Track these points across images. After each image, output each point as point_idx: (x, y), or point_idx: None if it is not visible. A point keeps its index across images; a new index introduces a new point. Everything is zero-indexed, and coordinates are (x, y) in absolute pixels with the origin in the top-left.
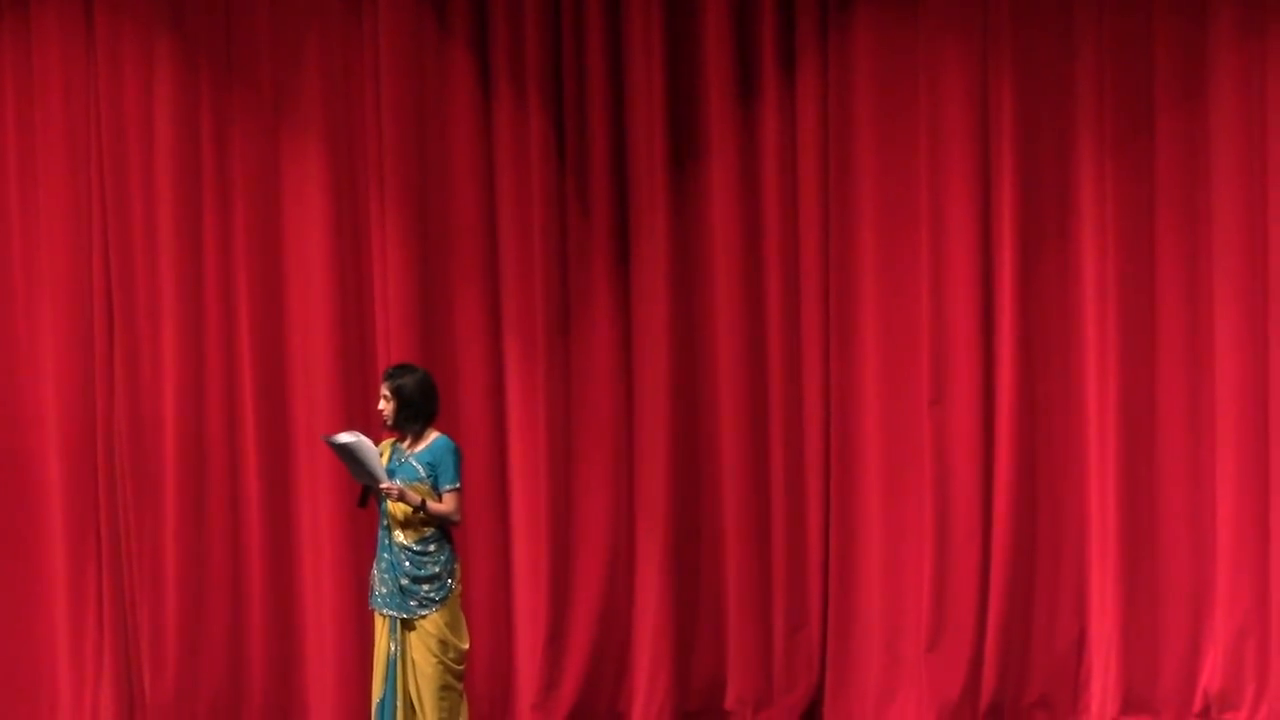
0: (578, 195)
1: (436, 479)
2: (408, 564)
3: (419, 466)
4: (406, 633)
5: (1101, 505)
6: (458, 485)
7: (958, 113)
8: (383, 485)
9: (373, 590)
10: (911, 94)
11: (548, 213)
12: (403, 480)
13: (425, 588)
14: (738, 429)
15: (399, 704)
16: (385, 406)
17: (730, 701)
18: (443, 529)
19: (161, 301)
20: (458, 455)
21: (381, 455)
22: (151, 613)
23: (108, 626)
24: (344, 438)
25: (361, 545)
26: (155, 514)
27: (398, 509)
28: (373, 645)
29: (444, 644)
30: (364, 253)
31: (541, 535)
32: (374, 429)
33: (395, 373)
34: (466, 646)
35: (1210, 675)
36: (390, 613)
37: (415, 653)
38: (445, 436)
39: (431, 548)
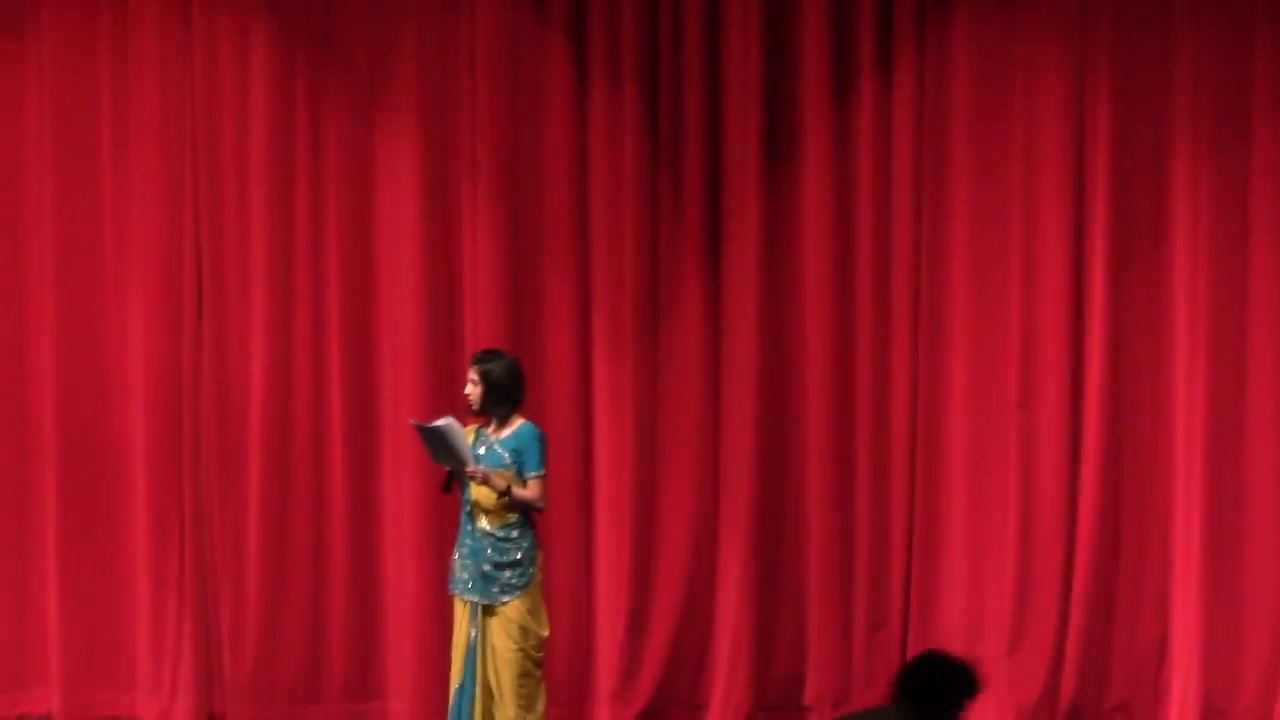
0: (671, 188)
1: (521, 465)
2: (490, 550)
3: (504, 453)
4: (487, 619)
5: (1187, 511)
6: (543, 472)
7: (1053, 116)
8: (468, 469)
9: (454, 576)
10: (1008, 96)
11: (640, 204)
12: (487, 466)
13: (507, 574)
14: (824, 426)
15: (478, 690)
16: (472, 391)
17: (809, 697)
18: (526, 516)
19: (251, 283)
20: (543, 442)
21: (467, 439)
22: (233, 594)
23: (188, 606)
24: (435, 423)
25: (444, 531)
26: (239, 495)
27: (482, 495)
28: (452, 631)
29: (524, 630)
30: (455, 238)
31: (625, 525)
32: (460, 413)
33: (484, 357)
34: (547, 634)
35: None
36: (472, 599)
37: (495, 639)
38: (531, 423)
39: (514, 534)
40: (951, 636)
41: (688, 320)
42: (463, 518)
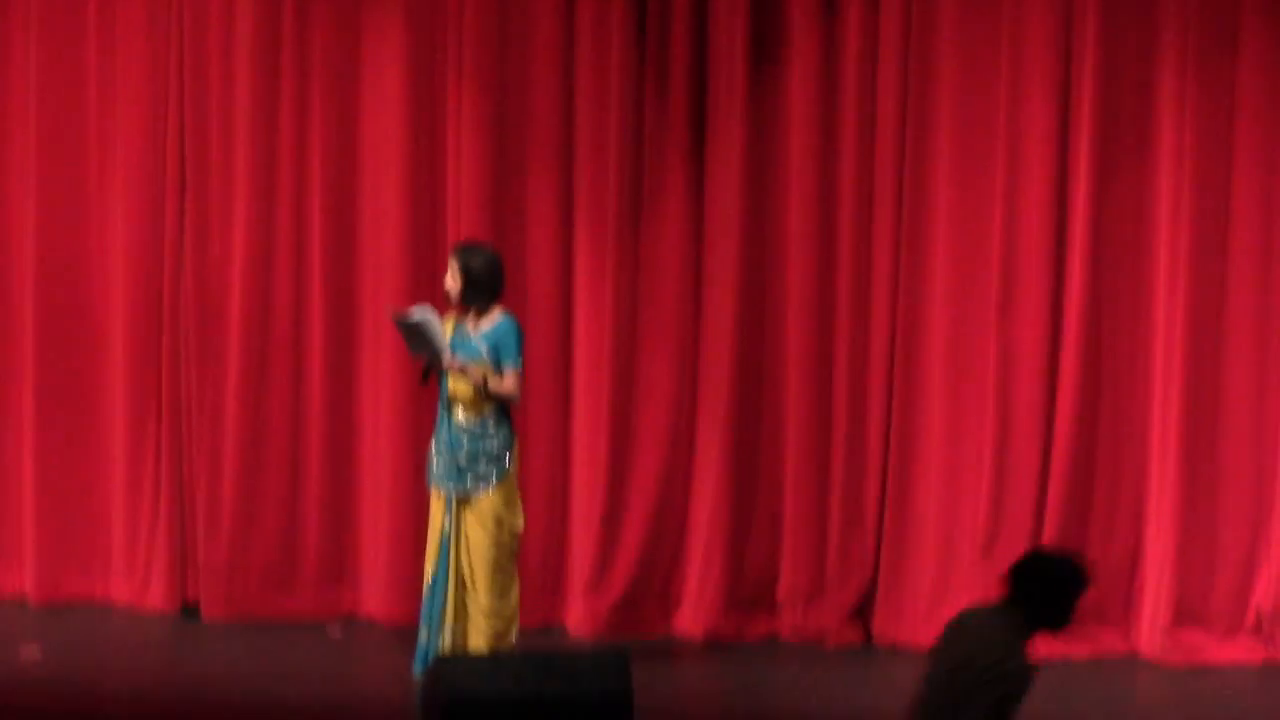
0: (656, 87)
1: (499, 358)
2: (466, 442)
3: (481, 345)
4: (462, 510)
5: (1163, 420)
6: (519, 365)
7: (1040, 25)
8: (445, 361)
9: (430, 467)
10: (995, 4)
11: (625, 102)
12: (464, 358)
13: (483, 465)
14: (804, 326)
15: (450, 581)
16: (451, 283)
17: (782, 593)
18: (502, 408)
19: (234, 174)
20: (520, 335)
21: (445, 331)
22: (208, 477)
23: (164, 490)
24: (412, 315)
25: (421, 422)
26: (217, 380)
27: (460, 387)
28: (425, 524)
29: (499, 522)
30: (439, 133)
31: (602, 419)
32: (438, 305)
33: (464, 250)
34: (521, 525)
35: (1264, 592)
36: (447, 490)
37: (470, 530)
38: (510, 316)
39: (491, 426)
40: (925, 537)
41: (670, 219)
42: (440, 410)
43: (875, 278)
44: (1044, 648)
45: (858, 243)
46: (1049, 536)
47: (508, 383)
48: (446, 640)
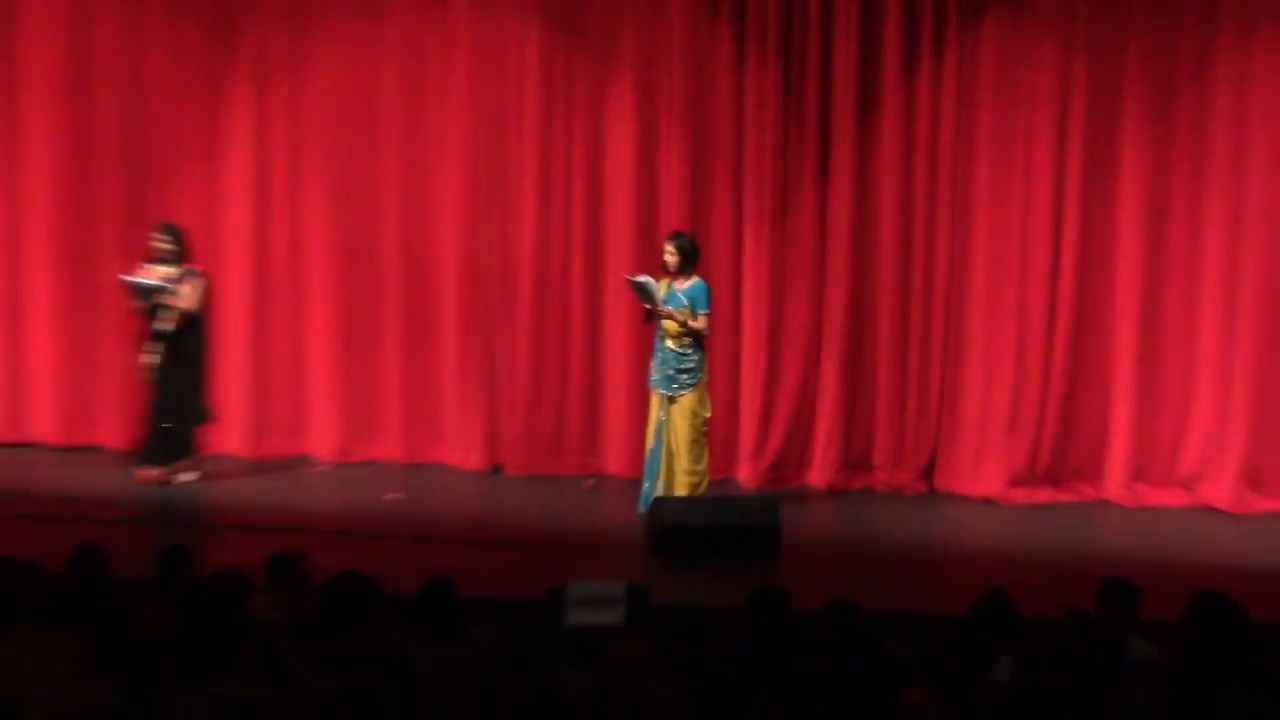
0: (797, 131)
1: (695, 306)
2: (674, 361)
3: (683, 298)
4: (670, 405)
5: (1123, 344)
6: (708, 311)
7: (1046, 91)
8: (660, 309)
9: (651, 377)
10: (1015, 81)
11: (776, 140)
12: (673, 306)
13: (685, 376)
14: (892, 285)
15: (663, 452)
16: (670, 258)
17: (877, 460)
18: (697, 340)
19: (524, 181)
20: (709, 292)
21: (660, 289)
22: (508, 383)
23: (479, 388)
24: (639, 278)
25: (645, 347)
26: (511, 316)
27: (670, 325)
28: (647, 413)
29: (695, 413)
30: (657, 158)
31: (761, 346)
32: (654, 272)
33: (676, 236)
34: (709, 415)
35: (1189, 459)
36: (662, 391)
37: (676, 418)
38: (702, 280)
39: (689, 351)
40: (968, 422)
41: (805, 214)
42: (656, 340)
43: (938, 251)
44: (1040, 495)
45: (929, 229)
46: (1049, 421)
47: (700, 323)
48: (660, 490)
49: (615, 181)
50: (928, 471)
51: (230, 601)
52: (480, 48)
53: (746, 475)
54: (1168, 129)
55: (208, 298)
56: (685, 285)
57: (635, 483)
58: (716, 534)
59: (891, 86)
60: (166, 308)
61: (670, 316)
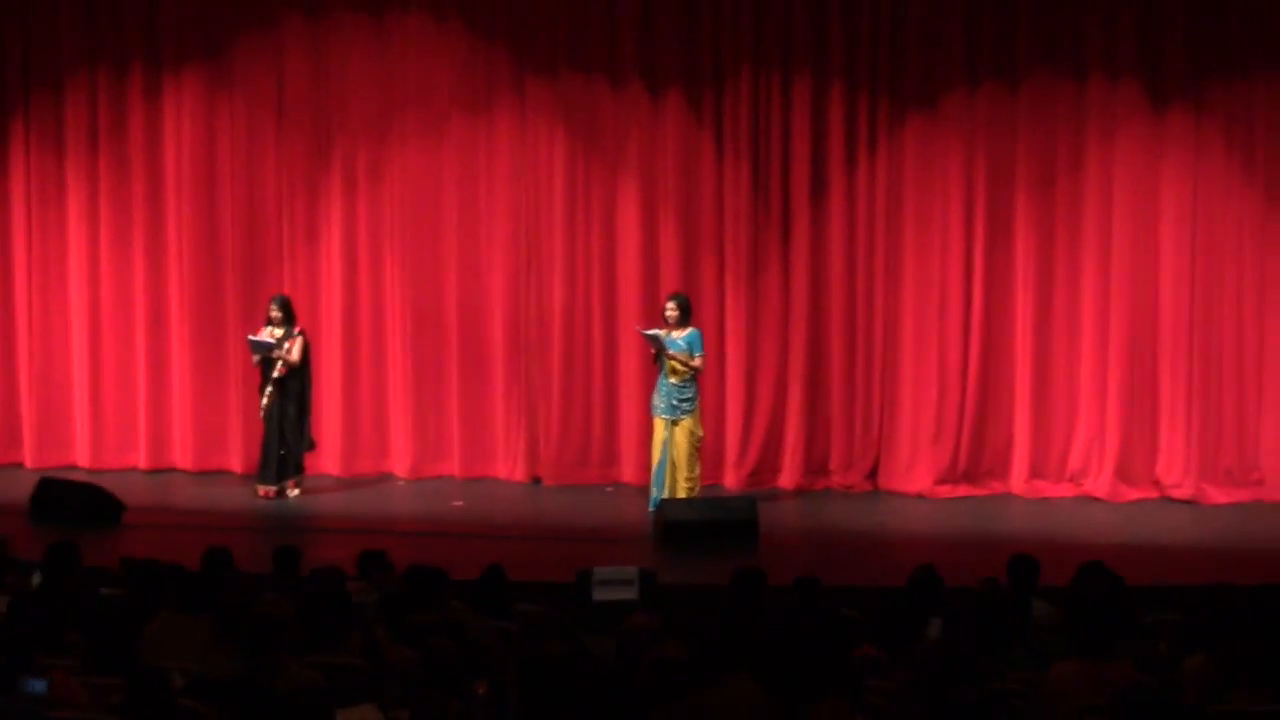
0: (764, 212)
1: (692, 349)
2: (676, 392)
3: (683, 343)
4: (673, 427)
5: (1023, 370)
6: (702, 353)
7: (956, 178)
8: (667, 353)
9: (655, 405)
10: (931, 171)
11: (750, 219)
12: (673, 350)
13: (684, 404)
14: (841, 328)
15: (668, 464)
16: (671, 313)
17: (833, 465)
18: (693, 376)
19: (554, 255)
20: (701, 337)
21: (662, 337)
22: (544, 413)
23: (522, 419)
24: (650, 330)
25: (649, 383)
26: (545, 365)
27: (672, 365)
28: (651, 434)
29: (692, 433)
30: (657, 238)
31: (740, 379)
32: (656, 322)
33: (677, 295)
34: (703, 434)
35: (1075, 459)
36: (666, 416)
37: (678, 437)
38: (696, 329)
39: (687, 385)
40: (903, 435)
41: (772, 275)
42: (660, 377)
43: (876, 301)
44: (960, 490)
45: (868, 284)
46: (965, 433)
47: (696, 363)
48: (665, 493)
49: (624, 254)
50: (872, 474)
51: (330, 589)
52: (518, 155)
53: (731, 480)
54: (1051, 205)
55: (309, 352)
56: (684, 332)
57: (645, 489)
58: (708, 527)
59: (837, 177)
60: (278, 360)
61: (674, 358)
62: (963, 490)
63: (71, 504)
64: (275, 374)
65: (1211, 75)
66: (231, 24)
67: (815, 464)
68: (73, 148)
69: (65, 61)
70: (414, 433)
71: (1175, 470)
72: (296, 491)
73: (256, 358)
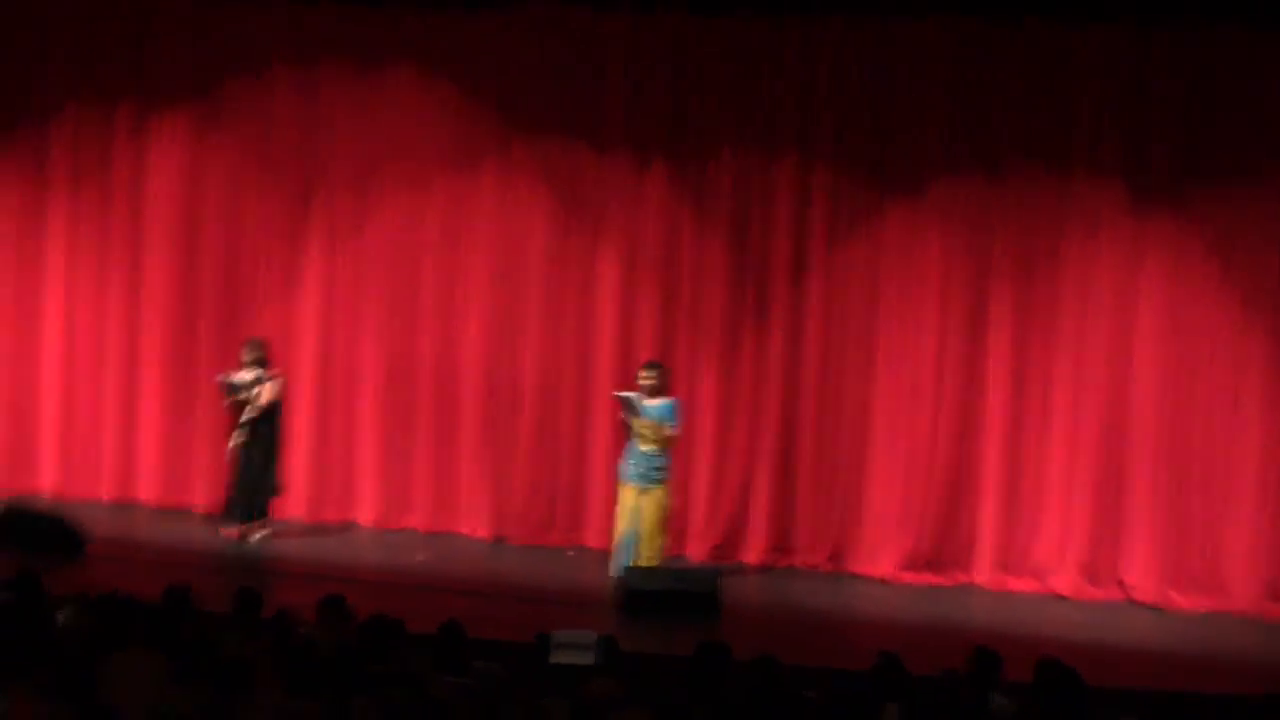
0: (742, 286)
1: (663, 419)
2: (647, 460)
3: (656, 412)
4: (642, 495)
5: (992, 461)
6: (676, 422)
7: (934, 265)
8: (641, 420)
9: (624, 473)
10: (910, 256)
11: (728, 296)
12: (645, 417)
13: (656, 473)
14: (811, 410)
15: (635, 532)
16: (647, 382)
17: (797, 544)
18: (666, 444)
19: (530, 314)
20: (678, 407)
21: (638, 404)
22: (510, 472)
23: (489, 477)
24: (626, 394)
25: (616, 449)
26: (515, 423)
27: (644, 433)
28: (616, 501)
29: (660, 503)
30: (634, 306)
31: (710, 451)
32: (633, 389)
33: (653, 364)
34: (671, 504)
35: (1040, 554)
36: (636, 485)
37: (647, 507)
38: (674, 398)
39: (659, 453)
40: (868, 518)
41: (745, 353)
42: (629, 442)
43: (846, 385)
44: (923, 577)
45: (840, 367)
46: (930, 522)
47: (669, 433)
48: (629, 561)
49: (600, 319)
50: (836, 555)
51: (285, 633)
52: (500, 214)
53: (695, 551)
54: (1028, 299)
55: (282, 395)
56: (660, 401)
57: (608, 553)
58: (671, 598)
59: (816, 258)
60: (249, 402)
61: (643, 425)
62: (926, 578)
63: (35, 532)
64: (246, 416)
65: (1194, 181)
66: (220, 68)
67: (780, 541)
68: (55, 182)
69: (51, 96)
70: (381, 483)
71: (1140, 573)
72: (259, 535)
73: (229, 399)
